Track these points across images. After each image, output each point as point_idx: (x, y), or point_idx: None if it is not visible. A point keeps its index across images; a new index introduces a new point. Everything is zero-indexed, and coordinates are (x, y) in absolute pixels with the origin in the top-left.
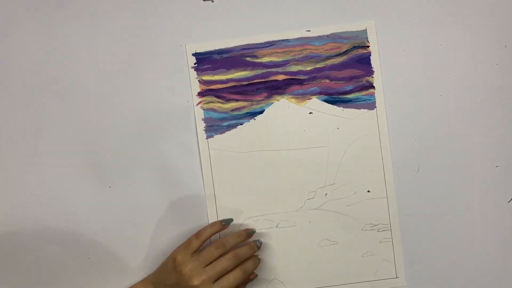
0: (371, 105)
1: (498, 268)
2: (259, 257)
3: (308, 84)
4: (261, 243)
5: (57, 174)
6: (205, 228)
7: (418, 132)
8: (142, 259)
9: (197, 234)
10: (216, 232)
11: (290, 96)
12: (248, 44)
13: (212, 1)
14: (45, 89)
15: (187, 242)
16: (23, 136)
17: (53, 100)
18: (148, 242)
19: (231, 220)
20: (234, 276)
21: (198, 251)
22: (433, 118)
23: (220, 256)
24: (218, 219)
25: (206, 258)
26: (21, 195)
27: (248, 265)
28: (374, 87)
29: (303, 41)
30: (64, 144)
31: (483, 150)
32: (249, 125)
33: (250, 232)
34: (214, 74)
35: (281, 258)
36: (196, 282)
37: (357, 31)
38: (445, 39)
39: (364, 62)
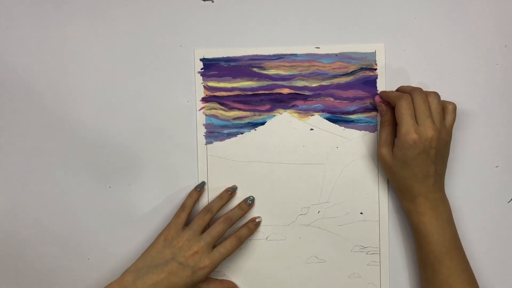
0: (372, 128)
1: (498, 268)
2: (257, 220)
3: (312, 100)
4: (252, 200)
5: (57, 174)
6: (187, 198)
7: None
8: None
9: (182, 207)
10: (197, 199)
11: (293, 110)
12: (256, 55)
13: (212, 1)
14: (46, 89)
15: (175, 218)
16: (24, 136)
17: (53, 100)
18: (147, 242)
19: (203, 183)
20: (231, 243)
21: (186, 223)
22: None
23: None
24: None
25: (198, 226)
26: (21, 195)
27: (243, 232)
28: (377, 110)
29: (311, 58)
30: (65, 144)
31: (483, 150)
32: (249, 135)
33: (231, 191)
34: (219, 81)
35: (267, 271)
36: (195, 248)
37: (365, 53)
38: (445, 39)
39: (369, 85)
